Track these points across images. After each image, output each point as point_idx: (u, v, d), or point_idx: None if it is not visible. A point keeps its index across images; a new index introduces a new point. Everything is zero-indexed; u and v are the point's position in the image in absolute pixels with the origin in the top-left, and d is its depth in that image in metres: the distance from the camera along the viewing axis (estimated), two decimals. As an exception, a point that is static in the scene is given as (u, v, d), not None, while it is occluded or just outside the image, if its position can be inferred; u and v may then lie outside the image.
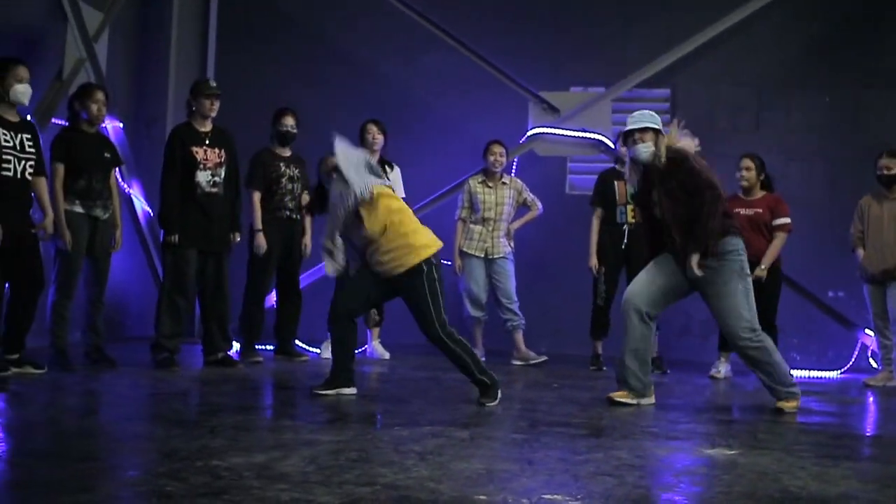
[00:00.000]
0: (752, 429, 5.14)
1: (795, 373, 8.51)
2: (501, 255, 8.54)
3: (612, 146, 8.97)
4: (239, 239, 7.44)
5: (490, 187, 8.56)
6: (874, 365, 8.81)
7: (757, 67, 9.75)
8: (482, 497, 3.15)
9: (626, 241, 8.17)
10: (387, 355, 8.45)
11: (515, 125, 9.69)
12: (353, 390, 5.76)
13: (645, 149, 5.69)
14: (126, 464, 3.68)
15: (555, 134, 9.66)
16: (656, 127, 5.74)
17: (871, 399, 7.16)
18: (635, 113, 5.88)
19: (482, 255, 8.54)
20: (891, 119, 9.46)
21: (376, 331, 8.54)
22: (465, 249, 8.60)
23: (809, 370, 8.96)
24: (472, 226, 8.60)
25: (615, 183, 8.23)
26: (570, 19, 10.05)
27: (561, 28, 10.05)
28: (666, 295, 5.90)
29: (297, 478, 3.32)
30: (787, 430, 5.14)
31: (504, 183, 8.60)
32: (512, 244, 8.60)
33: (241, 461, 3.56)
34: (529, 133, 9.68)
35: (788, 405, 5.75)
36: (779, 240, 7.83)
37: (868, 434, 5.48)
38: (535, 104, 9.75)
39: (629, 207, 8.16)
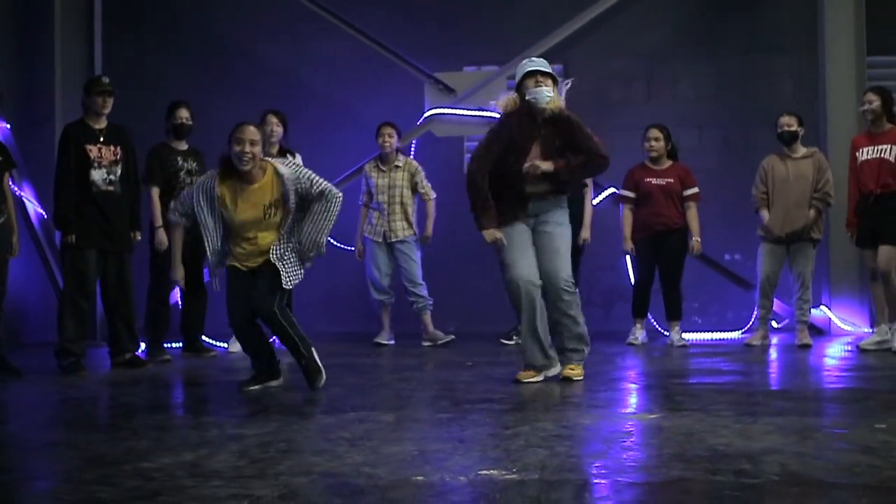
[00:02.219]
0: (669, 392, 5.26)
1: (695, 336, 8.81)
2: (400, 239, 8.52)
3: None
4: (140, 237, 7.28)
5: (383, 171, 8.53)
6: (775, 325, 9.10)
7: (647, 39, 9.94)
8: (420, 478, 3.15)
9: None
10: None
11: (413, 107, 9.69)
12: (279, 381, 5.73)
13: (548, 92, 5.57)
14: (49, 473, 3.57)
15: (451, 114, 9.68)
16: (556, 77, 5.73)
17: (774, 357, 7.40)
18: (533, 58, 5.85)
19: (381, 240, 8.52)
20: (777, 85, 9.76)
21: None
22: (366, 234, 8.57)
23: (711, 332, 9.21)
24: (372, 211, 8.56)
25: None
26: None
27: (452, 8, 10.08)
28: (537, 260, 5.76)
29: (230, 473, 3.28)
30: (703, 391, 5.27)
31: (398, 166, 8.56)
32: (414, 228, 8.56)
33: (170, 461, 3.49)
34: (426, 114, 9.69)
35: (575, 373, 5.66)
36: (693, 210, 8.08)
37: (779, 389, 5.65)
38: (430, 85, 9.75)
39: None
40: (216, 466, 3.39)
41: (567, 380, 5.62)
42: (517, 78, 5.75)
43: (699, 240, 8.09)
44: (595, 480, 3.14)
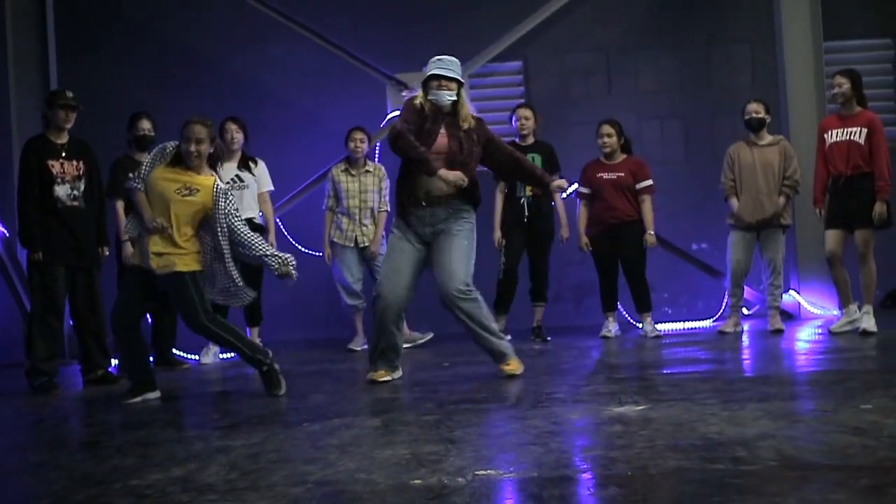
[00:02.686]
0: (651, 383, 5.27)
1: (668, 326, 8.85)
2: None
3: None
4: (108, 252, 7.18)
5: (353, 175, 8.47)
6: (746, 312, 9.17)
7: (606, 33, 9.98)
8: (418, 482, 3.12)
9: (527, 213, 8.25)
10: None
11: (375, 110, 9.65)
12: (157, 394, 5.81)
13: (450, 95, 5.75)
14: (37, 494, 3.50)
15: (414, 115, 9.63)
16: (461, 80, 5.86)
17: (747, 343, 7.44)
18: (442, 57, 5.90)
19: (352, 245, 8.45)
20: (737, 74, 9.84)
21: (256, 330, 8.40)
22: (335, 240, 8.49)
23: (683, 322, 9.26)
24: (340, 216, 8.48)
25: None
26: (419, -1, 10.08)
27: (410, 7, 10.06)
28: (414, 277, 5.94)
29: (223, 486, 3.23)
30: (684, 381, 5.28)
31: (368, 171, 8.51)
32: (382, 233, 8.52)
33: (160, 477, 3.44)
34: (389, 116, 9.65)
35: (512, 368, 5.82)
36: (648, 203, 8.10)
37: (759, 375, 5.67)
38: (392, 87, 9.73)
39: None
40: (208, 480, 3.34)
41: (510, 376, 5.74)
42: (425, 74, 5.88)
43: (652, 233, 8.12)
44: (594, 474, 3.13)
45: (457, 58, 5.87)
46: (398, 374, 6.08)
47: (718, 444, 3.40)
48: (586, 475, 3.12)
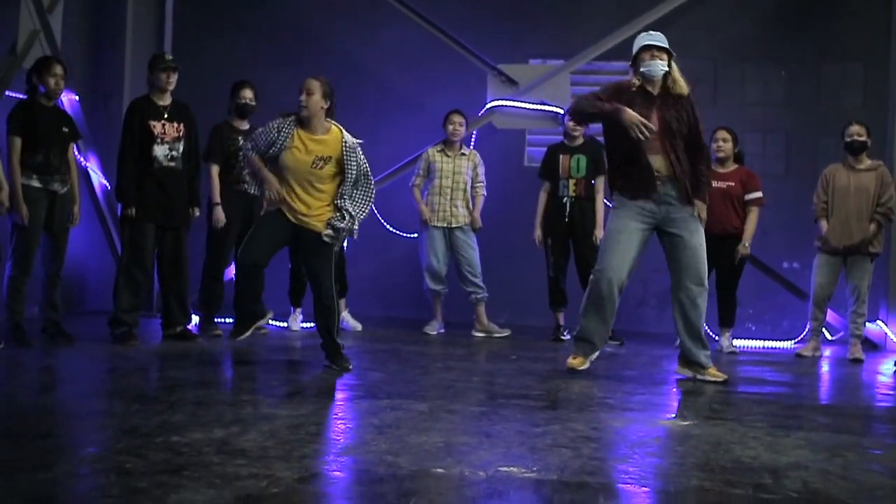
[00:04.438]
0: (707, 399, 5.23)
1: (750, 343, 8.71)
2: (461, 226, 8.53)
3: (561, 119, 9.05)
4: (198, 213, 7.40)
5: (449, 156, 8.54)
6: (829, 336, 8.97)
7: (714, 41, 9.82)
8: (440, 470, 3.19)
9: (567, 213, 8.26)
10: (359, 327, 8.51)
11: (474, 98, 9.68)
12: (269, 315, 6.40)
13: (662, 65, 5.76)
14: (84, 441, 3.68)
15: (513, 107, 9.68)
16: (672, 52, 5.82)
17: (823, 369, 7.29)
18: (651, 32, 5.91)
19: (444, 225, 8.52)
20: (847, 92, 9.59)
21: (343, 301, 8.57)
22: (427, 220, 8.57)
23: (764, 340, 9.10)
24: (432, 196, 8.58)
25: (560, 156, 8.34)
26: (530, -8, 10.07)
27: (520, 0, 10.05)
28: (635, 259, 5.95)
29: (256, 453, 3.35)
30: (742, 400, 5.23)
31: (463, 154, 8.59)
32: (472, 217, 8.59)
33: (201, 437, 3.58)
34: (488, 105, 9.70)
35: (717, 374, 5.87)
36: (754, 214, 7.96)
37: (820, 404, 5.58)
38: (493, 77, 9.75)
39: (571, 181, 8.29)
40: (244, 445, 3.46)
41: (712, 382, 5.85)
42: (633, 52, 5.90)
43: (748, 245, 7.96)
44: (611, 485, 3.15)
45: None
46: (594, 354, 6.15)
47: (748, 469, 3.38)
48: (603, 484, 3.14)
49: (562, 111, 9.45)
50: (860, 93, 9.60)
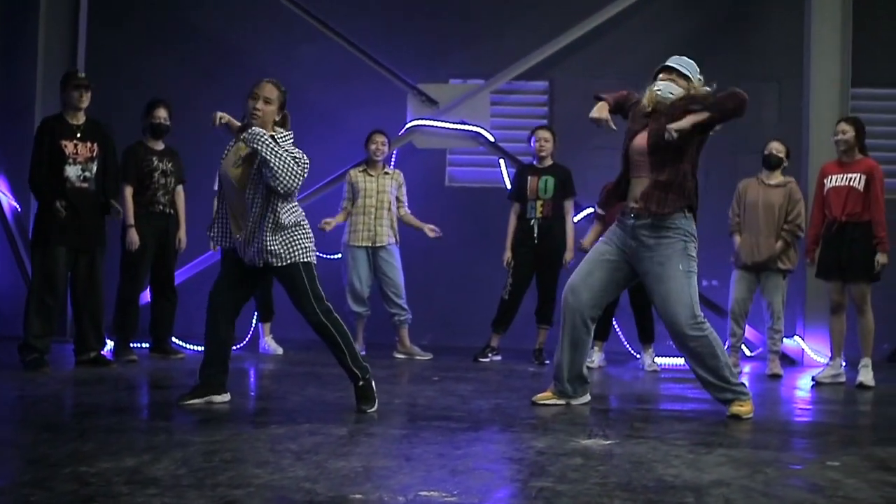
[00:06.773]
0: (629, 418, 5.22)
1: (668, 361, 8.71)
2: (384, 245, 8.44)
3: (491, 139, 9.07)
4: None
5: (372, 175, 8.48)
6: (747, 353, 9.07)
7: (634, 60, 9.89)
8: (358, 496, 3.11)
9: (536, 234, 8.26)
10: (280, 350, 8.40)
11: (395, 117, 9.66)
12: (224, 397, 5.25)
13: (671, 90, 5.44)
14: (-13, 472, 3.53)
15: (433, 126, 9.67)
16: (692, 78, 5.52)
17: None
18: (681, 56, 5.66)
19: (368, 245, 8.42)
20: (765, 110, 9.76)
21: (268, 326, 8.45)
22: (350, 243, 8.48)
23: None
24: (355, 216, 8.48)
25: (528, 177, 8.33)
26: (450, 11, 10.06)
27: (440, 20, 10.07)
28: (602, 284, 5.41)
29: (168, 482, 3.23)
30: (663, 418, 5.24)
31: (386, 173, 8.53)
32: (397, 236, 8.51)
33: (111, 466, 3.44)
34: (408, 125, 9.67)
35: (743, 410, 5.21)
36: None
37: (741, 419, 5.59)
38: (413, 96, 9.74)
39: (539, 203, 8.26)
40: (156, 474, 3.34)
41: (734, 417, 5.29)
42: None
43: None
44: (534, 507, 3.10)
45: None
46: (580, 398, 5.57)
47: (670, 488, 3.36)
48: (526, 506, 3.10)
49: (484, 131, 9.49)
50: (776, 110, 9.78)
